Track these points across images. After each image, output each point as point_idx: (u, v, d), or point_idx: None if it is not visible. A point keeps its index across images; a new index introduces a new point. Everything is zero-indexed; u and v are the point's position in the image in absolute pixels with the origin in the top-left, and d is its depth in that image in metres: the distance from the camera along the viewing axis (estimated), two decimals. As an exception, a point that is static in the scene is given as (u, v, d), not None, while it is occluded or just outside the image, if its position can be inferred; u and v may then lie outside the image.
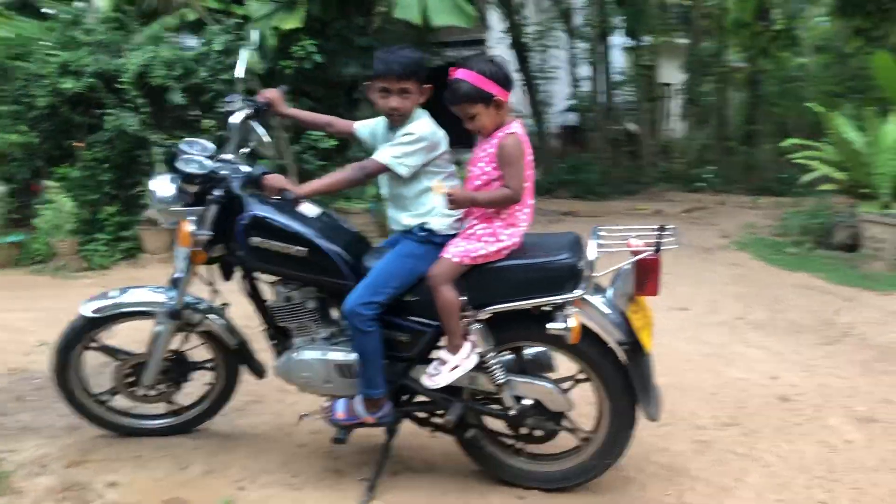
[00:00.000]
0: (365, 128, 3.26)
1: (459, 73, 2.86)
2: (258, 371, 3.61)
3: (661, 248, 2.79)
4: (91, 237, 7.81)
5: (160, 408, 3.70)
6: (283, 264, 3.10)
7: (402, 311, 3.03)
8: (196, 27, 9.64)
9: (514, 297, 2.93)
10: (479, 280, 2.93)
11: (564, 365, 3.20)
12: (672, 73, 17.66)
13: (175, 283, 3.45)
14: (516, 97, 16.59)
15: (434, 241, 3.01)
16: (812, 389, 4.26)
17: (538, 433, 3.15)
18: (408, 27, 10.99)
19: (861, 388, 4.27)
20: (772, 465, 3.42)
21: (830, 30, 18.32)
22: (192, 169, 3.05)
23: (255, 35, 3.41)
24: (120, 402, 3.69)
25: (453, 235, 3.03)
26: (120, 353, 3.58)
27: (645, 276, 2.85)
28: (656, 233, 2.90)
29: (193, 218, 3.12)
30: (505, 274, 2.92)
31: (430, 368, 3.00)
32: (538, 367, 3.20)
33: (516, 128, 2.89)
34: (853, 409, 4.01)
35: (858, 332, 5.32)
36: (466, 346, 2.95)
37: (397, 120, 3.01)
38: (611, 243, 2.88)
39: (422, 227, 3.02)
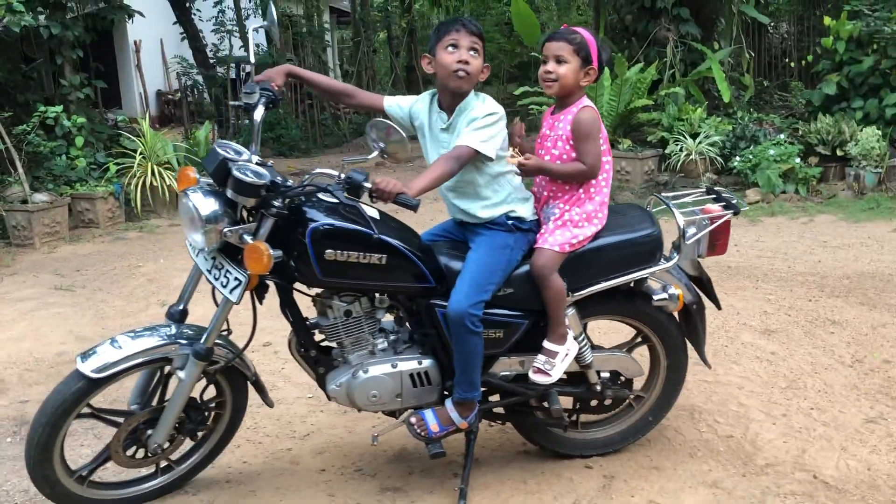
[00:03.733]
0: (399, 106, 2.98)
1: (579, 29, 2.83)
2: (270, 401, 3.15)
3: (739, 209, 3.00)
4: None
5: (149, 467, 3.06)
6: (361, 275, 2.73)
7: (492, 305, 2.86)
8: None
9: (611, 276, 2.94)
10: (577, 263, 2.88)
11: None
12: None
13: (177, 317, 2.87)
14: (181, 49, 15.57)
15: (522, 228, 2.89)
16: (705, 314, 4.85)
17: (608, 402, 3.23)
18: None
19: (737, 306, 4.97)
20: (745, 387, 3.90)
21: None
22: (251, 178, 2.52)
23: (271, 11, 2.82)
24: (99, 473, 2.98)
25: (537, 220, 2.94)
26: (115, 414, 2.88)
27: (716, 237, 3.05)
28: (713, 196, 3.11)
29: (249, 236, 2.59)
30: (601, 254, 2.91)
31: (539, 363, 2.90)
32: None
33: (588, 102, 2.86)
34: (749, 324, 4.69)
35: (681, 256, 6.11)
36: (569, 333, 2.91)
37: (463, 78, 2.75)
38: (691, 210, 3.02)
39: (508, 216, 2.87)
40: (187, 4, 14.74)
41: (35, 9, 8.57)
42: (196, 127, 13.30)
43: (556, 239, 2.84)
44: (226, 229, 2.56)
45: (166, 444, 2.94)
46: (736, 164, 8.27)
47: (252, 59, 2.80)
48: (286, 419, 3.79)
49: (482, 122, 2.73)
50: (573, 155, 2.85)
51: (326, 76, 3.10)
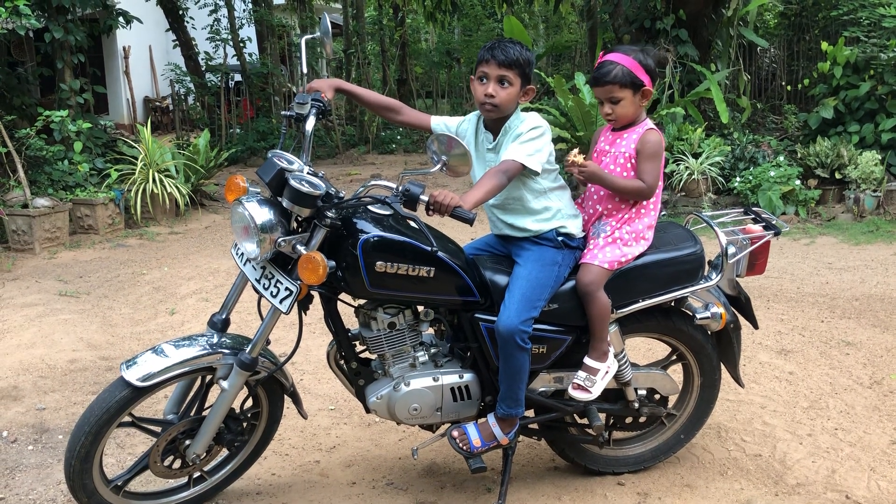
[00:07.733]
0: (446, 125, 2.98)
1: (614, 57, 2.81)
2: (304, 412, 3.13)
3: (780, 230, 3.03)
4: None
5: (181, 478, 3.02)
6: (408, 287, 2.72)
7: (536, 321, 2.86)
8: None
9: (655, 293, 2.95)
10: (623, 280, 2.89)
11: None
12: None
13: (220, 326, 2.85)
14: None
15: (570, 245, 2.90)
16: (720, 332, 4.89)
17: (642, 420, 3.24)
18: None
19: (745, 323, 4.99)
20: (768, 406, 3.92)
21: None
22: (308, 189, 2.50)
23: (325, 22, 2.80)
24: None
25: (584, 238, 2.95)
26: (154, 423, 2.84)
27: (755, 257, 3.07)
28: (752, 216, 3.14)
29: (302, 246, 2.57)
30: (647, 271, 2.92)
31: (579, 380, 2.90)
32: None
33: (652, 124, 2.88)
34: (764, 344, 4.72)
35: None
36: (610, 350, 2.91)
37: (490, 111, 2.79)
38: (733, 229, 3.04)
39: (558, 231, 2.87)
40: (181, 12, 14.73)
41: (35, 12, 8.52)
42: (185, 134, 13.26)
43: (606, 256, 2.85)
44: (280, 239, 2.54)
45: (203, 455, 2.90)
46: (736, 184, 8.35)
47: (305, 69, 2.78)
48: (310, 431, 3.76)
49: (527, 136, 2.74)
50: (632, 174, 2.87)
51: (374, 92, 3.08)
